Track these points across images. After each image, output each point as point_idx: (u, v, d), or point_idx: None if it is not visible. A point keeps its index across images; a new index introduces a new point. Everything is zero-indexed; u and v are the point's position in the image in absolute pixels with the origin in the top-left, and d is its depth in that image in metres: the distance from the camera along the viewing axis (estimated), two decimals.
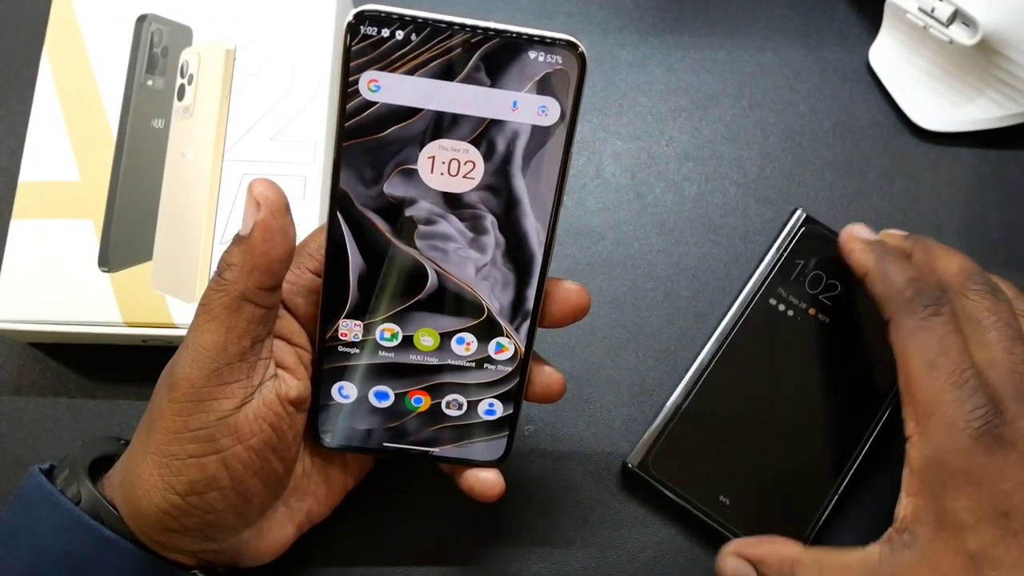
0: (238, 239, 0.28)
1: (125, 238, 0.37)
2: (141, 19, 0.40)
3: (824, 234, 0.38)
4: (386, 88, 0.27)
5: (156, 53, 0.40)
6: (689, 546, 0.36)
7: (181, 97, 0.39)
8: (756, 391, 0.36)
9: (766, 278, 0.37)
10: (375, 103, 0.27)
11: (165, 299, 0.36)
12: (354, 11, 0.26)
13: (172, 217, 0.38)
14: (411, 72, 0.27)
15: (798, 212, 0.39)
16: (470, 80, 0.27)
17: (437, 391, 0.31)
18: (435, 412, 0.31)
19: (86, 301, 0.36)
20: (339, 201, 0.29)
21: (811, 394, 0.36)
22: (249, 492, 0.29)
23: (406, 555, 0.36)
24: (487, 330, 0.30)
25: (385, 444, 0.32)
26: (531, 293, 0.30)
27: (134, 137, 0.39)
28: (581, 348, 0.39)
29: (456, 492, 0.32)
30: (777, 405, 0.36)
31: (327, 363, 0.31)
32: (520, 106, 0.27)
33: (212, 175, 0.38)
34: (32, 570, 0.29)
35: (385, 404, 0.31)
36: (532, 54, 0.27)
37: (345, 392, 0.31)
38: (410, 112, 0.27)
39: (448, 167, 0.28)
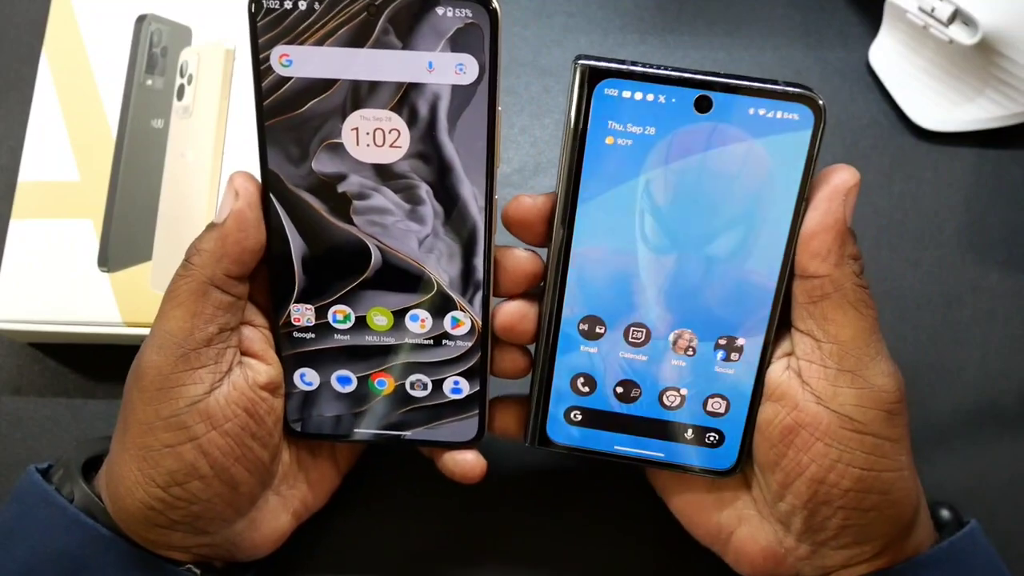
0: (211, 227, 0.28)
1: (125, 238, 0.37)
2: (141, 19, 0.40)
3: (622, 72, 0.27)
4: (298, 62, 0.27)
5: (156, 53, 0.40)
6: (690, 541, 0.36)
7: (181, 97, 0.39)
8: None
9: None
10: (290, 78, 0.27)
11: None
12: None
13: (172, 217, 0.38)
14: (320, 42, 0.26)
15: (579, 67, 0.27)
16: (381, 44, 0.26)
17: (399, 372, 0.31)
18: (401, 394, 0.31)
19: (86, 301, 0.36)
20: (270, 183, 0.28)
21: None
22: (234, 480, 0.29)
23: (405, 556, 0.36)
24: (440, 305, 0.30)
25: (356, 430, 0.32)
26: (479, 263, 0.29)
27: (134, 137, 0.39)
28: None
29: (455, 493, 0.32)
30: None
31: (284, 350, 0.30)
32: (436, 66, 0.27)
33: (212, 175, 0.38)
34: (29, 568, 0.29)
35: (349, 389, 0.31)
36: (440, 11, 0.26)
37: (307, 379, 0.31)
38: (326, 84, 0.27)
39: (373, 137, 0.27)
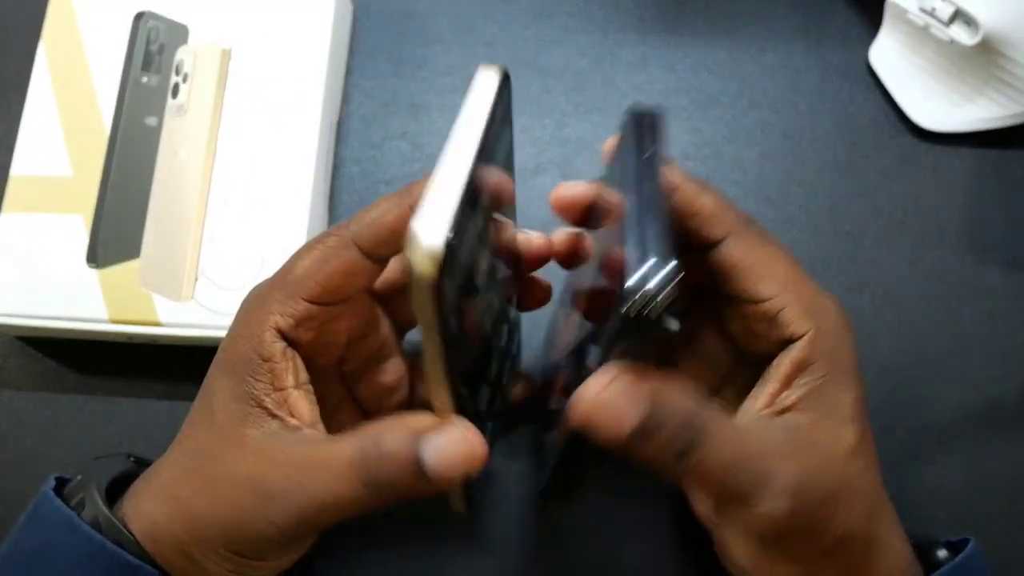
0: (418, 469, 0.25)
1: (114, 235, 0.37)
2: (138, 16, 0.40)
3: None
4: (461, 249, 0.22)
5: (152, 50, 0.40)
6: (692, 545, 0.36)
7: (175, 95, 0.39)
8: None
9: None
10: (456, 295, 0.22)
11: (152, 297, 0.36)
12: (428, 260, 0.20)
13: (162, 215, 0.37)
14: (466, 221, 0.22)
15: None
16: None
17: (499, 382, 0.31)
18: (501, 396, 0.31)
19: (73, 297, 0.36)
20: (452, 380, 0.24)
21: None
22: (296, 540, 0.29)
23: (402, 553, 0.35)
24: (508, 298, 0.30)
25: None
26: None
27: (127, 134, 0.38)
28: None
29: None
30: None
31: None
32: (497, 116, 0.25)
33: (204, 174, 0.38)
34: None
35: (490, 437, 0.29)
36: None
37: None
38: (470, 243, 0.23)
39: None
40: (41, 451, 0.37)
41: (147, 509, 0.29)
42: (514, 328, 0.31)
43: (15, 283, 0.36)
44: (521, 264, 0.30)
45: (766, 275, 0.28)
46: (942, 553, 0.30)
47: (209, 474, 0.28)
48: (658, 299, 0.21)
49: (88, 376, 0.38)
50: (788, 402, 0.27)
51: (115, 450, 0.33)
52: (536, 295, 0.32)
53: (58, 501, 0.29)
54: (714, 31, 0.44)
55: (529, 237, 0.30)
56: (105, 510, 0.28)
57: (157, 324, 0.36)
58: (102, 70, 0.39)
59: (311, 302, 0.28)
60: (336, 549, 0.35)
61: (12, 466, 0.37)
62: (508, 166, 0.27)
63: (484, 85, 0.23)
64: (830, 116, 0.42)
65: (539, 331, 0.36)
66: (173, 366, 0.38)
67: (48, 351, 0.39)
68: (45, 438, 0.38)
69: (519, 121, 0.42)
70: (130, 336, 0.36)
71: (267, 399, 0.27)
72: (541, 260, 0.31)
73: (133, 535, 0.28)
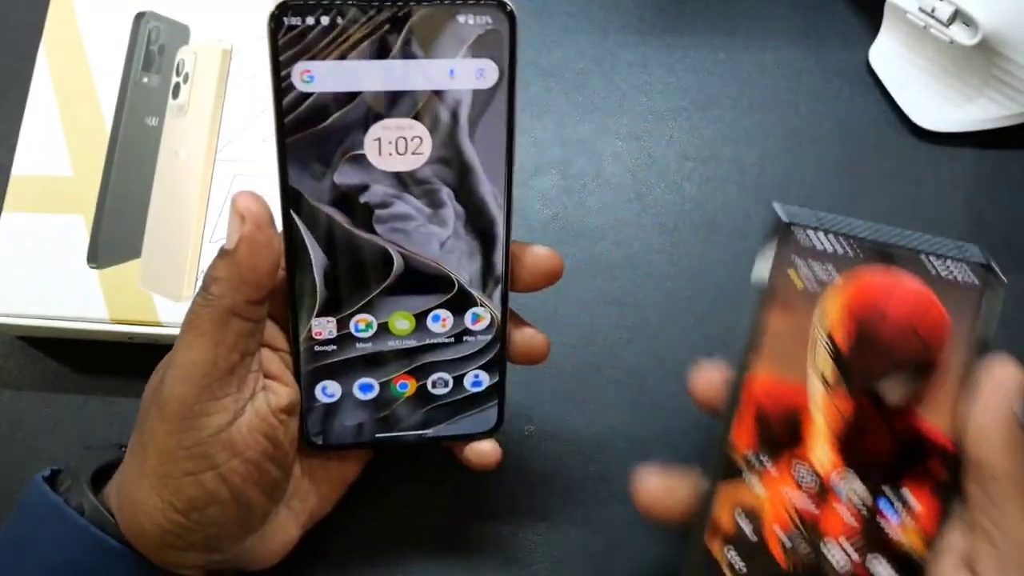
0: (224, 253, 0.27)
1: (115, 235, 0.37)
2: (139, 16, 0.40)
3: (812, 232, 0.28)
4: (320, 77, 0.26)
5: (153, 51, 0.40)
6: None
7: (176, 95, 0.39)
8: None
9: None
10: (311, 94, 0.27)
11: (152, 297, 0.36)
12: (276, 3, 0.26)
13: (162, 215, 0.37)
14: (343, 56, 0.26)
15: (776, 211, 0.28)
16: (403, 55, 0.26)
17: (421, 372, 0.31)
18: (422, 394, 0.31)
19: (73, 296, 0.36)
20: (291, 199, 0.28)
21: None
22: (250, 503, 0.29)
23: (404, 554, 0.35)
24: (461, 302, 0.30)
25: (377, 435, 0.31)
26: (498, 259, 0.30)
27: (128, 134, 0.38)
28: (581, 348, 0.38)
29: (451, 493, 0.32)
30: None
31: (305, 365, 0.30)
32: (457, 73, 0.27)
33: (204, 174, 0.38)
34: None
35: (371, 396, 0.31)
36: (461, 19, 0.26)
37: (329, 391, 0.30)
38: (349, 97, 0.27)
39: (396, 146, 0.27)
40: (41, 451, 0.37)
41: (117, 481, 0.30)
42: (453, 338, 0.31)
43: (15, 283, 0.36)
44: (515, 282, 0.30)
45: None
46: None
47: (141, 420, 0.29)
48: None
49: (88, 376, 0.38)
50: None
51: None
52: (531, 348, 0.31)
53: (46, 488, 0.29)
54: (714, 31, 0.44)
55: (533, 250, 0.30)
56: (90, 495, 0.29)
57: (157, 324, 0.36)
58: (103, 70, 0.39)
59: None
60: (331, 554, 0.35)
61: (12, 466, 0.37)
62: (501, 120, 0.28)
63: None
64: (830, 117, 0.42)
65: None
66: None
67: (48, 351, 0.39)
68: (45, 438, 0.38)
69: (519, 120, 0.42)
70: (130, 336, 0.36)
71: None
72: (539, 277, 0.30)
73: (114, 517, 0.29)
